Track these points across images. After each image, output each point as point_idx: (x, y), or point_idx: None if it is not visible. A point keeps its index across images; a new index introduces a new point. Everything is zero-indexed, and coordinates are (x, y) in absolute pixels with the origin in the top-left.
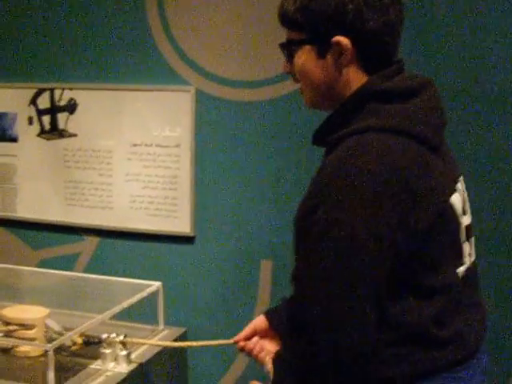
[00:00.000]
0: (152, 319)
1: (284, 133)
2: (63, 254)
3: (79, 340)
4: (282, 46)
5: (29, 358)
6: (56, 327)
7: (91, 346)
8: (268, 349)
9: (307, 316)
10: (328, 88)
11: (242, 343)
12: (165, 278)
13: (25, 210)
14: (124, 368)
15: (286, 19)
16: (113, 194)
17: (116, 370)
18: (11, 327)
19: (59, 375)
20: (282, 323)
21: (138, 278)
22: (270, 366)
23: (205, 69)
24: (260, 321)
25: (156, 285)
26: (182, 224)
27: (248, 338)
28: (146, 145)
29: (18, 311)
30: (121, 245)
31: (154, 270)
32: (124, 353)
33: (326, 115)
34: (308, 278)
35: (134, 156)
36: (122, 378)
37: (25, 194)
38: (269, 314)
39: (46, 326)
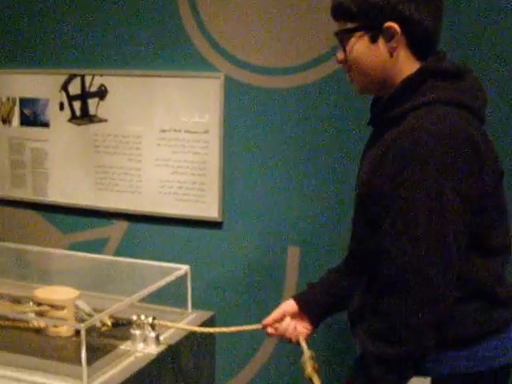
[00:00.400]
0: (180, 302)
1: (312, 119)
2: (93, 237)
3: (108, 321)
4: (337, 34)
5: (60, 338)
6: (86, 308)
7: (120, 328)
8: (299, 329)
9: (401, 275)
10: (380, 71)
11: (270, 329)
12: (193, 263)
13: (55, 195)
14: (153, 349)
15: (340, 10)
16: (142, 179)
17: (145, 351)
18: (43, 308)
19: (90, 355)
20: (311, 305)
21: (166, 262)
22: (304, 343)
23: (234, 56)
24: (289, 304)
25: (184, 268)
26: (210, 209)
27: (277, 321)
28: (175, 130)
29: (49, 292)
30: (149, 229)
31: (182, 254)
32: (153, 334)
33: (354, 101)
34: (400, 238)
35: (162, 142)
36: (151, 358)
37: (55, 179)
38: (298, 298)
39: (77, 307)
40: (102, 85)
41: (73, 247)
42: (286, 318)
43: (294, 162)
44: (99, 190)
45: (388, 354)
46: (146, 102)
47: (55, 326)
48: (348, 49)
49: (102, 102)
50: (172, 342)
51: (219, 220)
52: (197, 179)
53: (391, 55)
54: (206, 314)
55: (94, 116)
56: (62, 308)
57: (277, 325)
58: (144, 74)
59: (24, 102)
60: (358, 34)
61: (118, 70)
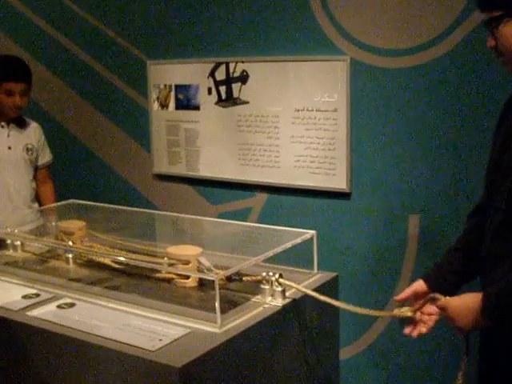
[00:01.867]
0: (309, 265)
1: (432, 95)
2: (238, 207)
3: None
4: (486, 23)
5: (185, 288)
6: (206, 263)
7: (233, 282)
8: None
9: None
10: None
11: (407, 329)
12: (323, 229)
13: (205, 170)
14: (279, 302)
15: (488, 2)
16: (280, 155)
17: (272, 303)
18: (173, 262)
19: (225, 305)
20: (439, 286)
21: (301, 228)
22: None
23: (359, 39)
24: (419, 284)
25: (311, 233)
26: (339, 181)
27: (408, 300)
28: (308, 110)
29: (179, 249)
30: (286, 200)
31: (314, 221)
32: (280, 289)
33: (474, 77)
34: None
35: (297, 120)
36: (276, 309)
37: (205, 156)
38: (427, 279)
39: (199, 262)
40: (243, 70)
41: (221, 217)
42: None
43: (416, 136)
44: (242, 165)
45: None
46: (282, 84)
47: (186, 278)
48: (497, 35)
49: (244, 86)
50: (296, 296)
51: (347, 191)
52: (327, 154)
53: None
54: (329, 275)
55: (238, 99)
56: (187, 262)
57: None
58: (280, 60)
59: (178, 89)
60: (505, 19)
61: (257, 56)
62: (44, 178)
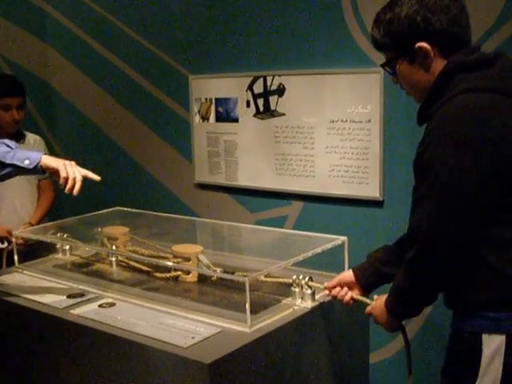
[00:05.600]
0: (341, 271)
1: None
2: (274, 215)
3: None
4: (383, 65)
5: (186, 282)
6: (205, 261)
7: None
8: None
9: (423, 231)
10: (425, 83)
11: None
12: (356, 236)
13: (244, 179)
14: (309, 304)
15: (377, 45)
16: (315, 165)
17: (302, 305)
18: (177, 259)
19: (256, 306)
20: (367, 278)
21: (334, 235)
22: (359, 297)
23: None
24: (347, 275)
25: (342, 239)
26: (372, 190)
27: (334, 287)
28: (342, 121)
29: (182, 248)
30: (321, 207)
31: (347, 228)
32: (309, 292)
33: None
34: (423, 200)
35: (332, 131)
36: (306, 311)
37: (244, 166)
38: (356, 270)
39: (198, 260)
40: (280, 84)
41: (258, 224)
42: (344, 289)
43: None
44: (279, 175)
45: None
46: (317, 96)
47: (187, 274)
48: (396, 74)
49: (280, 99)
50: (325, 299)
51: (380, 199)
52: (361, 163)
53: (429, 67)
54: None
55: (275, 111)
56: (188, 259)
57: (335, 289)
58: (315, 73)
59: (218, 102)
60: (399, 60)
61: (294, 70)
62: (45, 188)
